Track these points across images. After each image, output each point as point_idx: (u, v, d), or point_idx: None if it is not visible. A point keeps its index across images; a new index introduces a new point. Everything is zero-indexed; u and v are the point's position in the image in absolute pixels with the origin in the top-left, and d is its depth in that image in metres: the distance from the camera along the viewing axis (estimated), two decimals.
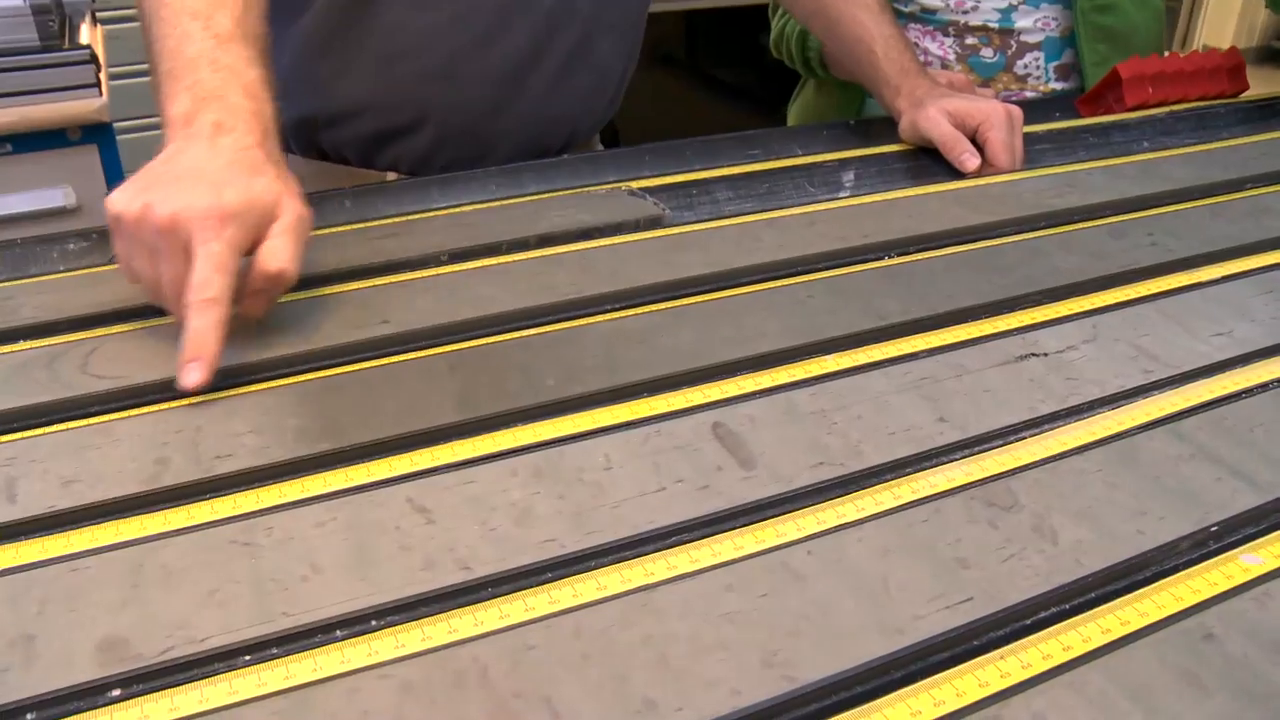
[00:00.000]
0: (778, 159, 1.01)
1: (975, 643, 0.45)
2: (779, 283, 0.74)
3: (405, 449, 0.55)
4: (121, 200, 0.63)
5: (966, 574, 0.48)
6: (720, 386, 0.61)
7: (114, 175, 1.74)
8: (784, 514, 0.52)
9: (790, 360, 0.64)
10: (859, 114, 1.32)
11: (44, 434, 0.56)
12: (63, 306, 0.69)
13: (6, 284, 0.74)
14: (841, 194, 0.98)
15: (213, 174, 0.63)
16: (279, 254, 0.63)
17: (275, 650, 0.43)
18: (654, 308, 0.70)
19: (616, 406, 0.59)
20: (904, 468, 0.56)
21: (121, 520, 0.50)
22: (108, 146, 1.72)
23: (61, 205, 1.71)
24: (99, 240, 0.81)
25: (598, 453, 0.55)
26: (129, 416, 0.57)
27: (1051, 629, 0.46)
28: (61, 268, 0.79)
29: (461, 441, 0.56)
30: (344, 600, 0.45)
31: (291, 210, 0.65)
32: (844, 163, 1.01)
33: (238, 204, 0.62)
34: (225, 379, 0.61)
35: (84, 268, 0.78)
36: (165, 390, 0.60)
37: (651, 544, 0.50)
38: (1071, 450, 0.57)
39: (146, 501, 0.52)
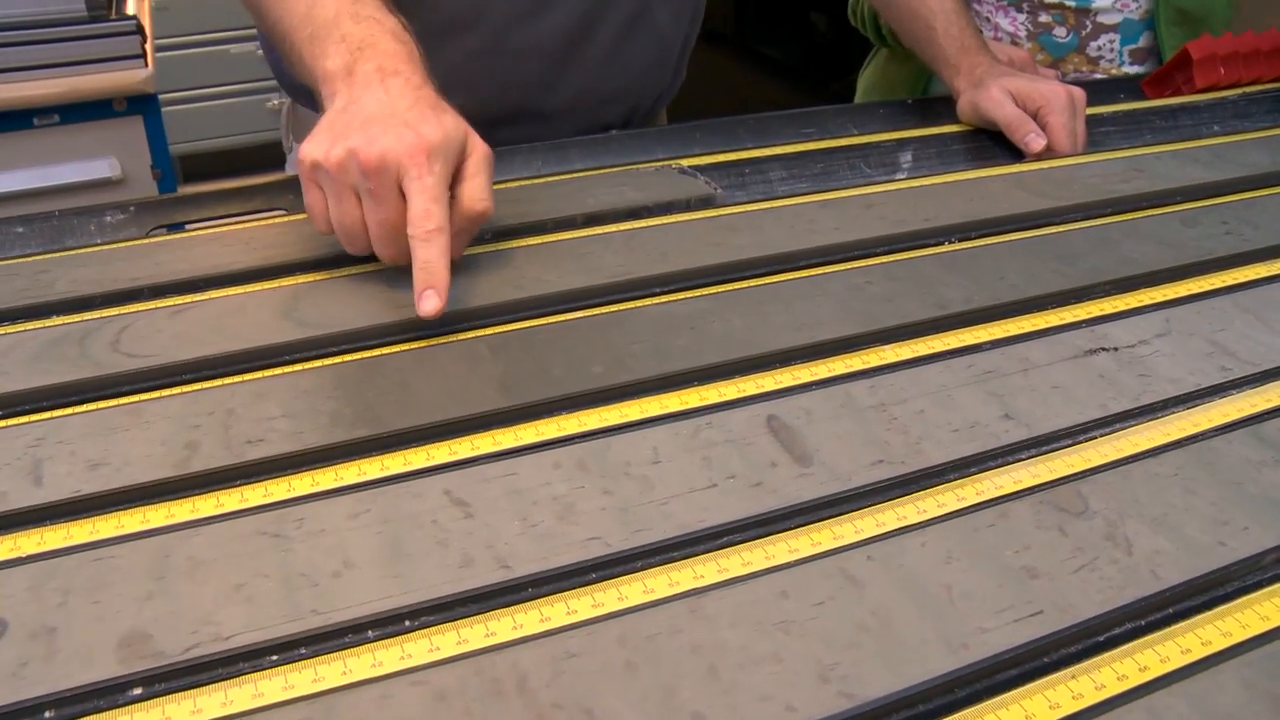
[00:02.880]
0: (833, 138, 0.98)
1: (1045, 660, 0.42)
2: (835, 267, 0.71)
3: (444, 436, 0.53)
4: (318, 148, 0.63)
5: (1035, 584, 0.45)
6: (774, 376, 0.58)
7: (159, 147, 1.74)
8: (841, 515, 0.49)
9: (847, 350, 0.61)
10: (929, 86, 1.28)
11: (73, 414, 0.54)
12: (98, 281, 0.67)
13: (42, 257, 0.72)
14: (898, 175, 0.95)
15: (404, 114, 0.63)
16: (480, 193, 0.65)
17: (303, 650, 0.41)
18: (705, 291, 0.67)
19: (665, 396, 0.56)
20: (967, 467, 0.53)
21: (149, 507, 0.48)
22: (153, 118, 1.72)
23: (107, 176, 1.71)
24: (137, 213, 0.80)
25: (645, 445, 0.52)
26: (160, 397, 0.55)
27: (1126, 647, 0.43)
28: (99, 241, 0.78)
29: (502, 430, 0.53)
30: (376, 599, 0.43)
31: (479, 148, 0.66)
32: (901, 143, 0.98)
33: (438, 140, 0.62)
34: (258, 359, 0.59)
35: (121, 241, 0.76)
36: (197, 370, 0.58)
37: (701, 544, 0.47)
38: (1145, 452, 0.54)
39: (175, 487, 0.50)
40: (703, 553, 0.46)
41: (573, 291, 0.66)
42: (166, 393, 0.56)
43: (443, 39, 0.93)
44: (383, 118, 0.63)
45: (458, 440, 0.53)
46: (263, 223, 0.76)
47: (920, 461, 0.52)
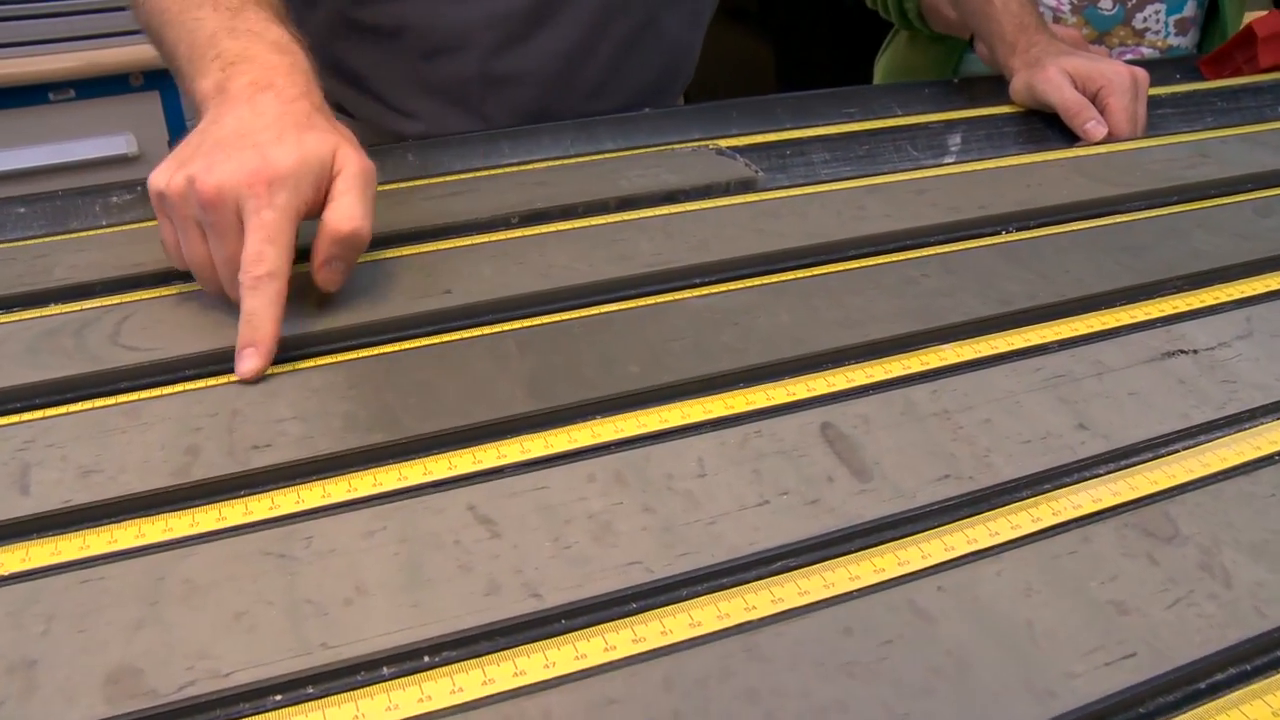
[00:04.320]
0: (876, 119, 0.93)
1: (1141, 710, 0.38)
2: (887, 258, 0.66)
3: (467, 443, 0.48)
4: (163, 177, 0.56)
5: (1126, 621, 0.40)
6: (826, 378, 0.54)
7: (176, 122, 1.70)
8: (905, 537, 0.44)
9: (904, 349, 0.57)
10: (956, 71, 1.23)
11: (65, 414, 0.50)
12: (99, 266, 0.63)
13: (41, 240, 0.68)
14: (946, 159, 0.89)
15: (257, 134, 0.56)
16: (348, 212, 0.56)
17: (311, 690, 0.37)
18: (748, 283, 0.62)
19: (708, 399, 0.52)
20: (1041, 483, 0.48)
21: (144, 519, 0.44)
22: (170, 93, 1.69)
23: (124, 152, 1.68)
24: (145, 193, 0.75)
25: (689, 456, 0.47)
26: (160, 395, 0.51)
27: (1232, 696, 0.38)
28: (104, 222, 0.73)
29: (531, 436, 0.49)
30: (393, 630, 0.38)
31: (353, 162, 0.57)
32: (950, 125, 0.92)
33: (288, 164, 0.54)
34: None
35: (127, 223, 0.72)
36: (201, 365, 0.54)
37: (753, 570, 0.42)
38: (1236, 468, 0.49)
39: (173, 498, 0.45)
40: (755, 579, 0.42)
41: (606, 282, 0.61)
42: (167, 390, 0.52)
43: (429, 62, 0.88)
44: (234, 140, 0.56)
45: (482, 447, 0.48)
46: None
47: (990, 477, 0.48)
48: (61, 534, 0.43)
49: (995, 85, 1.00)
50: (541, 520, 0.43)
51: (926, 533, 0.45)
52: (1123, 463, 0.50)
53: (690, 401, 0.51)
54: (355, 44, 0.90)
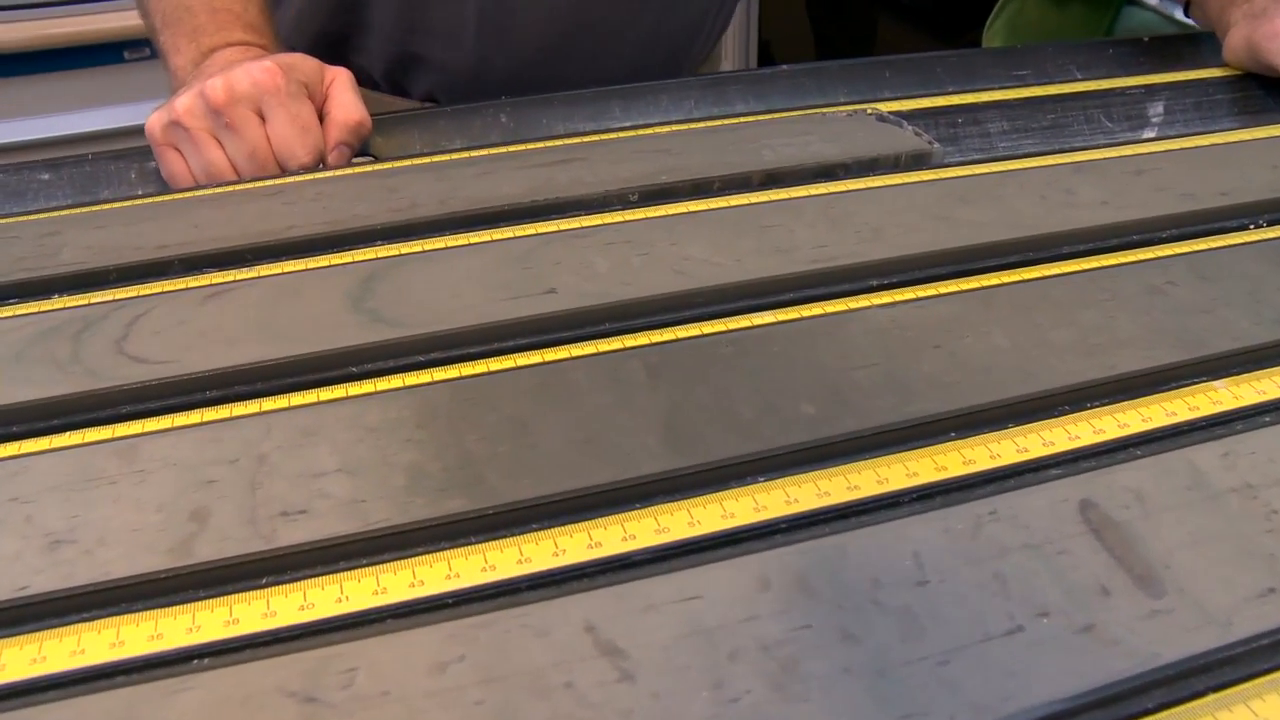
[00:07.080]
0: (1054, 83, 0.77)
1: None
2: (1115, 258, 0.51)
3: (581, 514, 0.35)
4: (163, 112, 0.59)
5: None
6: (1066, 428, 0.39)
7: None
8: (1226, 688, 0.30)
9: (1162, 386, 0.42)
10: (1110, 31, 1.06)
11: (44, 450, 0.37)
12: (117, 248, 0.50)
13: (56, 214, 0.55)
14: (1147, 132, 0.74)
15: (242, 61, 0.59)
16: (352, 105, 0.61)
17: None
18: (942, 288, 0.47)
19: (911, 455, 0.37)
20: None
21: (126, 619, 0.31)
22: None
23: None
24: None
25: (901, 549, 0.33)
26: (167, 429, 0.38)
27: None
28: (140, 192, 0.61)
29: (670, 506, 0.35)
30: None
31: (338, 69, 0.62)
32: (1150, 90, 0.76)
33: (285, 60, 0.59)
34: (311, 371, 0.41)
35: (164, 194, 0.59)
36: (225, 386, 0.40)
37: None
38: None
39: (168, 587, 0.32)
40: None
41: (758, 282, 0.47)
42: (178, 420, 0.38)
43: None
44: (224, 69, 0.58)
45: (601, 521, 0.34)
46: (341, 173, 0.59)
47: None
48: (10, 636, 0.31)
49: (1198, 44, 0.84)
50: (694, 653, 0.29)
51: (1254, 681, 0.30)
52: None
53: (887, 459, 0.37)
54: None
